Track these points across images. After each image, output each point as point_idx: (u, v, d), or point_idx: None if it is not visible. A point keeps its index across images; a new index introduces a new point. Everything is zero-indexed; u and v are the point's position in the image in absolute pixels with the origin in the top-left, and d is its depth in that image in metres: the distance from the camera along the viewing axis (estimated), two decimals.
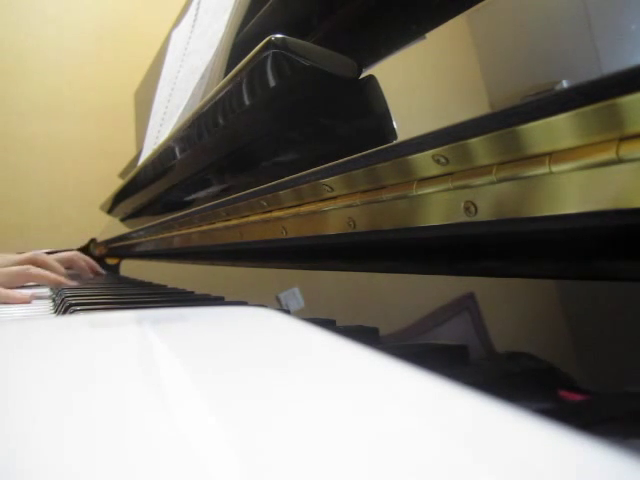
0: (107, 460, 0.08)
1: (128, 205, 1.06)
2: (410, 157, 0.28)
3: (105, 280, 1.09)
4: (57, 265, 0.92)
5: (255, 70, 0.37)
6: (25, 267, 0.81)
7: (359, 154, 0.31)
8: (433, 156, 0.26)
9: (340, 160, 0.33)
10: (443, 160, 0.26)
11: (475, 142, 0.24)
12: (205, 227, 0.66)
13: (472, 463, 0.08)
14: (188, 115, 0.55)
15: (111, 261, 1.44)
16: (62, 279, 0.84)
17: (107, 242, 1.36)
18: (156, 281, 0.90)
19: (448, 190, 0.27)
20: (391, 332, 0.34)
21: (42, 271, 0.82)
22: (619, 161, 0.19)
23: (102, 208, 1.23)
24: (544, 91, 0.21)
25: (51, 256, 0.97)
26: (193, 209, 0.66)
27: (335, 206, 0.37)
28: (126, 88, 1.69)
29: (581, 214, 0.21)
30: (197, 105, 0.53)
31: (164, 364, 0.15)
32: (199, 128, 0.53)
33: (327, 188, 0.37)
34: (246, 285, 0.60)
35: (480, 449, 0.09)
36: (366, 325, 0.35)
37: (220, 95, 0.45)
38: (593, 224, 0.21)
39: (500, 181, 0.24)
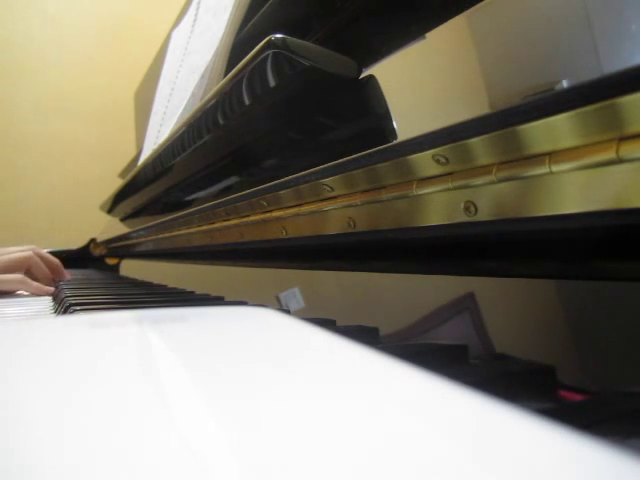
0: (107, 460, 0.08)
1: (128, 205, 1.06)
2: (410, 157, 0.28)
3: (105, 280, 1.09)
4: (49, 269, 0.90)
5: (255, 70, 0.37)
6: (20, 278, 0.81)
7: (359, 154, 0.31)
8: (433, 156, 0.26)
9: (340, 160, 0.33)
10: (443, 160, 0.26)
11: (475, 142, 0.24)
12: (205, 227, 0.66)
13: (472, 463, 0.08)
14: (188, 115, 0.55)
15: (111, 261, 1.44)
16: (52, 289, 0.84)
17: (107, 242, 1.36)
18: (156, 281, 0.90)
19: (448, 190, 0.27)
20: (391, 332, 0.34)
21: (35, 286, 0.82)
22: (619, 161, 0.19)
23: (102, 208, 1.23)
24: (544, 91, 0.21)
25: (5, 259, 0.85)
26: (193, 209, 0.66)
27: (335, 206, 0.37)
28: (126, 88, 1.69)
29: (581, 214, 0.21)
30: (197, 105, 0.53)
31: (164, 364, 0.15)
32: (199, 128, 0.53)
33: (327, 188, 0.37)
34: (246, 285, 0.60)
35: (480, 449, 0.09)
36: (366, 325, 0.35)
37: (220, 95, 0.45)
38: (593, 224, 0.21)
39: (500, 181, 0.24)
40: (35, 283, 0.82)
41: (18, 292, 0.82)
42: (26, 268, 0.87)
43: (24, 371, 0.14)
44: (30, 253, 0.88)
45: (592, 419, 0.18)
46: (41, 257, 0.91)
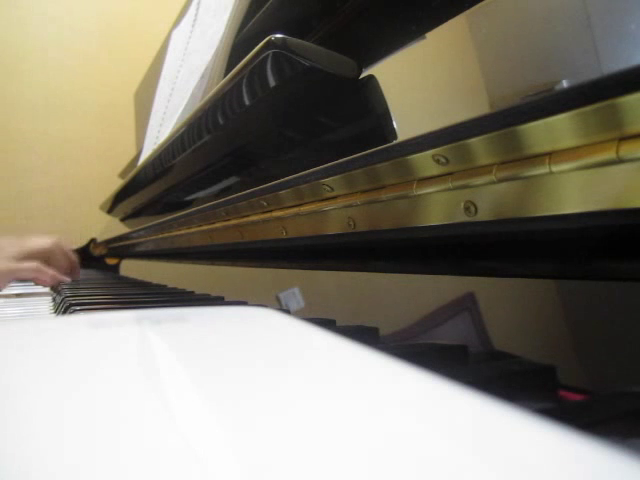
0: (107, 460, 0.08)
1: (128, 205, 1.06)
2: (410, 157, 0.28)
3: (105, 280, 1.08)
4: (67, 264, 0.91)
5: (255, 70, 0.37)
6: (35, 266, 0.81)
7: (359, 154, 0.31)
8: (433, 156, 0.26)
9: (340, 160, 0.33)
10: (443, 160, 0.26)
11: (475, 142, 0.24)
12: (205, 227, 0.66)
13: (472, 463, 0.08)
14: (188, 115, 0.55)
15: (111, 261, 1.44)
16: (64, 279, 0.85)
17: (107, 242, 1.36)
18: (156, 281, 0.90)
19: (448, 190, 0.27)
20: (391, 332, 0.34)
21: (50, 275, 0.82)
22: (619, 161, 0.19)
23: (102, 208, 1.23)
24: (544, 91, 0.21)
25: (27, 246, 0.85)
26: (193, 209, 0.66)
27: (335, 206, 0.37)
28: (126, 88, 1.69)
29: (581, 214, 0.21)
30: (197, 105, 0.53)
31: (164, 364, 0.15)
32: (199, 128, 0.53)
33: (327, 188, 0.37)
34: (246, 285, 0.60)
35: (480, 449, 0.09)
36: (366, 325, 0.35)
37: (220, 95, 0.45)
38: (593, 224, 0.21)
39: (500, 181, 0.24)
40: (51, 271, 0.83)
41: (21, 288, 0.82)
42: (45, 258, 0.87)
43: (24, 371, 0.14)
44: (51, 244, 0.88)
45: (592, 419, 0.18)
46: (62, 250, 0.91)
